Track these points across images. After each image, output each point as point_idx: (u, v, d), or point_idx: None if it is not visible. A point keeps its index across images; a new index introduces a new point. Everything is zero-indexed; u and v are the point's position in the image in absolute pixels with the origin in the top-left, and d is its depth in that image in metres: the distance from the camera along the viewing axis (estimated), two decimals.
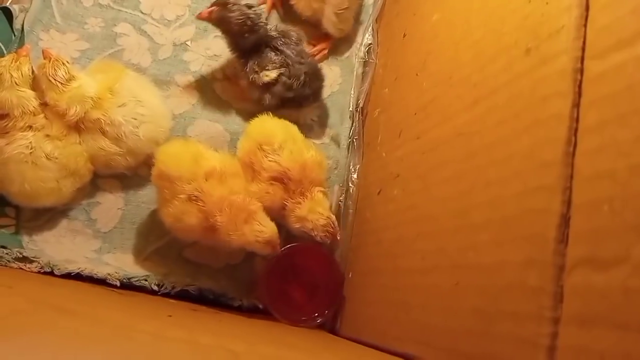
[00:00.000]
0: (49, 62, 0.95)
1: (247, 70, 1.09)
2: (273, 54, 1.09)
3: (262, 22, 1.08)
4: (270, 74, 1.07)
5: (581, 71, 0.48)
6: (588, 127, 0.46)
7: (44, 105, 0.96)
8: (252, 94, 1.11)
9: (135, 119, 0.98)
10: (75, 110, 0.94)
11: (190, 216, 0.91)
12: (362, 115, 1.16)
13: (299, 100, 1.10)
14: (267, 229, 0.92)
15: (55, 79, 0.94)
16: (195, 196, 0.91)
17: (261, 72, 1.08)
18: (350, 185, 1.11)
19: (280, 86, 1.08)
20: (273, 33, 1.10)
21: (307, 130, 1.15)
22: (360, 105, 1.16)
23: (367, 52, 1.20)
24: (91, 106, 0.96)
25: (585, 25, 0.49)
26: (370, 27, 1.21)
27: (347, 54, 1.22)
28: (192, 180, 0.91)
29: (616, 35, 0.44)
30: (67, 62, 0.97)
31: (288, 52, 1.09)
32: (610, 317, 0.39)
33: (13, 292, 0.50)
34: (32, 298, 0.49)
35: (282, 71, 1.08)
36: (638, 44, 0.41)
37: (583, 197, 0.45)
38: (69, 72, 0.95)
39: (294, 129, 1.02)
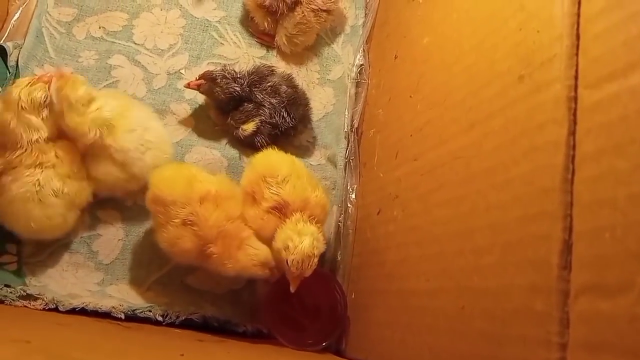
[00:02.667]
0: (66, 81, 0.91)
1: (228, 126, 1.11)
2: (246, 104, 1.09)
3: (246, 87, 1.09)
4: (248, 128, 1.09)
5: (575, 99, 0.49)
6: (585, 155, 0.47)
7: (52, 141, 0.92)
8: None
9: (143, 145, 0.98)
10: (95, 134, 0.93)
11: (185, 240, 0.91)
12: (357, 135, 1.17)
13: (288, 131, 1.11)
14: (260, 251, 0.92)
15: (76, 100, 0.90)
16: (190, 220, 0.91)
17: (239, 127, 1.09)
18: (348, 205, 1.12)
19: (264, 129, 1.09)
20: (247, 84, 1.09)
21: (304, 151, 1.17)
22: (355, 125, 1.17)
23: (359, 72, 1.22)
24: (106, 131, 0.94)
25: (577, 55, 0.50)
26: (361, 48, 1.23)
27: (339, 75, 1.24)
28: (186, 204, 0.91)
29: (609, 66, 0.45)
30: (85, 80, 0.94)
31: (260, 95, 1.09)
32: (618, 343, 0.40)
33: (33, 348, 0.49)
34: (53, 353, 0.49)
35: (259, 120, 1.09)
36: (631, 76, 0.43)
37: (584, 224, 0.46)
38: (88, 91, 0.93)
39: (300, 165, 1.01)
